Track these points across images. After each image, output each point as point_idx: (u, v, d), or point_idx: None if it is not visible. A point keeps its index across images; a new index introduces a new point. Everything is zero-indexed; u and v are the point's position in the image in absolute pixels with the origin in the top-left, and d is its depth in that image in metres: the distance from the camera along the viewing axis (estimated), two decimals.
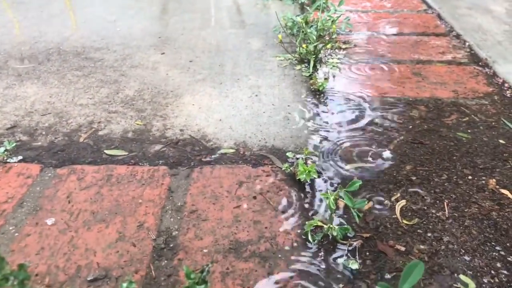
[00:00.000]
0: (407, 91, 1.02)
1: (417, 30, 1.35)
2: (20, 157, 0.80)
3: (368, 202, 0.67)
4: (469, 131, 0.89)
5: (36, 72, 1.10)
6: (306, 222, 0.64)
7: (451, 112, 0.95)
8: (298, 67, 1.13)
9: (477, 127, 0.90)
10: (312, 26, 1.20)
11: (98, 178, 0.76)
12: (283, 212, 0.68)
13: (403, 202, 0.71)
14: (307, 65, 1.13)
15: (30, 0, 1.58)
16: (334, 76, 1.08)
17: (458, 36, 1.30)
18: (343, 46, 1.24)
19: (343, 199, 0.59)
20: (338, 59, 1.17)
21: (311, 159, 0.78)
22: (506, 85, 1.05)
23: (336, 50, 1.21)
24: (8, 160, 0.79)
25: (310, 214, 0.68)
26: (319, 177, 0.75)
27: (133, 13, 1.48)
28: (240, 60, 1.16)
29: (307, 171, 0.70)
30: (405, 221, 0.67)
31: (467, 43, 1.26)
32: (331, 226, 0.62)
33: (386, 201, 0.71)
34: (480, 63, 1.15)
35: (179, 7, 1.53)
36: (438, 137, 0.87)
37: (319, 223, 0.63)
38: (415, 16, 1.45)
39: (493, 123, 0.91)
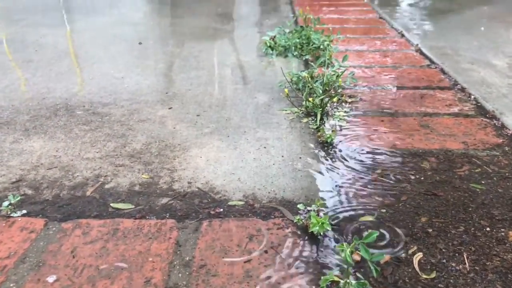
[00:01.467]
0: (416, 143, 1.01)
1: (422, 84, 1.36)
2: (24, 211, 0.78)
3: (385, 255, 0.64)
4: (482, 182, 0.87)
5: (43, 127, 1.10)
6: (322, 277, 0.61)
7: (462, 163, 0.94)
8: (305, 120, 1.13)
9: (491, 178, 0.88)
10: (317, 81, 1.21)
11: (104, 232, 0.73)
12: (297, 267, 0.66)
13: (420, 255, 0.68)
14: (313, 118, 1.13)
15: (39, 59, 1.61)
16: (341, 129, 1.08)
17: (463, 90, 1.31)
18: (349, 100, 1.24)
19: (359, 251, 0.57)
20: (345, 112, 1.17)
21: (323, 210, 0.76)
22: None
23: (343, 104, 1.22)
24: (11, 215, 0.77)
25: (324, 268, 0.65)
26: (332, 229, 0.72)
27: (140, 71, 1.51)
28: (247, 114, 1.17)
29: (320, 223, 0.68)
30: (424, 275, 0.64)
31: (472, 96, 1.26)
32: (347, 281, 0.59)
33: (403, 254, 0.68)
34: (487, 115, 1.15)
35: (186, 64, 1.56)
36: (451, 188, 0.85)
37: (335, 278, 0.60)
38: (419, 71, 1.47)
39: (507, 174, 0.89)
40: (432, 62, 1.56)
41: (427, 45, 1.72)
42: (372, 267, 0.56)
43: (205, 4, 2.64)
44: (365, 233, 0.60)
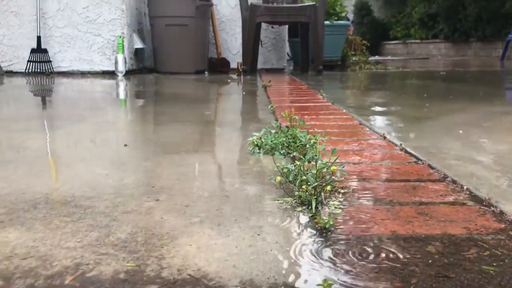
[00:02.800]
0: (417, 229, 0.97)
1: (412, 177, 1.35)
2: None
3: None
4: (494, 264, 0.82)
5: (20, 219, 1.03)
6: None
7: (469, 247, 0.89)
8: (299, 208, 1.09)
9: (502, 260, 0.83)
10: (308, 173, 1.19)
11: None
12: None
13: None
14: (308, 207, 1.09)
15: (20, 159, 1.57)
16: (337, 217, 1.03)
17: (454, 182, 1.30)
18: (342, 191, 1.21)
19: None
20: (339, 201, 1.14)
21: None
22: None
23: (336, 194, 1.19)
24: None
25: None
26: None
27: (126, 168, 1.47)
28: (238, 204, 1.12)
29: None
30: None
31: (465, 187, 1.25)
32: None
33: None
34: (484, 203, 1.13)
35: (172, 161, 1.54)
36: (462, 270, 0.79)
37: None
38: (407, 167, 1.47)
39: None
40: (418, 159, 1.57)
41: (411, 146, 1.74)
42: None
43: (189, 114, 2.69)
44: None
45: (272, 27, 6.34)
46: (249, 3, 5.42)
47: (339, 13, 6.69)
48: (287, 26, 6.45)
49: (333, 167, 1.13)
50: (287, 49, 6.92)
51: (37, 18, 5.38)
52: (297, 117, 1.74)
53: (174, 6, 5.49)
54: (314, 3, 5.55)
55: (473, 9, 11.13)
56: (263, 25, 6.03)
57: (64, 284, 0.75)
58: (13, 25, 5.53)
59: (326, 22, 5.92)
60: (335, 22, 6.45)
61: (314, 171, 1.18)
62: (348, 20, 7.17)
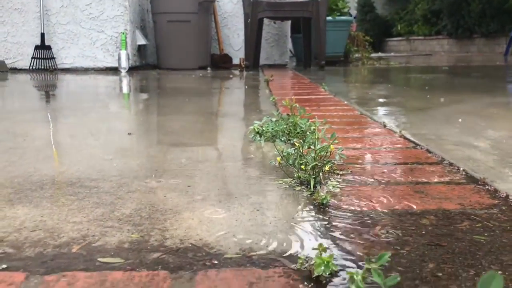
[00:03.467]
0: (412, 205, 1.00)
1: (410, 160, 1.38)
2: (3, 266, 0.72)
3: (398, 277, 0.59)
4: (485, 234, 0.85)
5: (28, 197, 1.06)
6: None
7: (462, 220, 0.92)
8: (298, 188, 1.12)
9: (493, 231, 0.86)
10: (307, 156, 1.22)
11: (91, 283, 0.67)
12: None
13: None
14: (307, 186, 1.12)
15: (27, 146, 1.61)
16: (335, 195, 1.06)
17: (451, 164, 1.33)
18: (340, 173, 1.24)
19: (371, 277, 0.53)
20: (337, 182, 1.16)
21: (327, 253, 0.72)
22: (511, 197, 1.04)
23: (334, 175, 1.21)
24: None
25: None
26: (337, 273, 0.68)
27: (130, 154, 1.51)
28: (239, 184, 1.15)
29: (325, 262, 0.64)
30: None
31: (461, 169, 1.28)
32: None
33: None
34: (479, 183, 1.15)
35: (176, 149, 1.57)
36: (455, 239, 0.82)
37: None
38: (405, 151, 1.50)
39: (509, 227, 0.87)
40: (416, 144, 1.59)
41: (410, 133, 1.77)
42: None
43: (191, 105, 2.73)
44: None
45: (275, 23, 6.36)
46: None
47: (341, 9, 6.70)
48: (289, 21, 6.48)
49: (331, 147, 1.16)
50: (290, 45, 6.94)
51: (40, 15, 5.42)
52: (297, 105, 1.77)
53: (176, 2, 5.52)
54: None
55: (476, 5, 11.11)
56: (266, 20, 6.05)
57: (71, 252, 0.78)
58: (17, 22, 5.57)
59: (328, 18, 5.95)
60: (337, 17, 6.47)
61: (313, 155, 1.21)
62: (351, 15, 7.18)
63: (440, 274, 0.70)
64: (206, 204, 1.01)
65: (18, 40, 5.59)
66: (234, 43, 6.34)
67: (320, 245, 0.70)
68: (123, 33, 5.44)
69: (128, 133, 1.83)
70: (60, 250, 0.79)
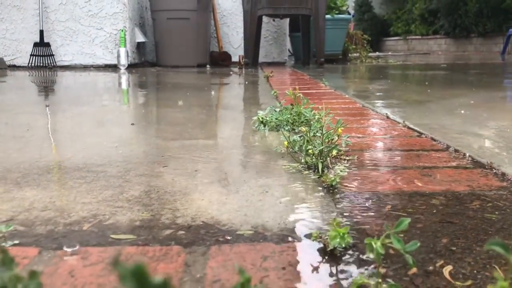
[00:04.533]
0: (421, 187, 1.00)
1: (415, 148, 1.38)
2: (16, 241, 0.72)
3: (418, 243, 0.59)
4: (496, 213, 0.85)
5: (36, 181, 1.06)
6: (351, 280, 0.56)
7: (472, 200, 0.92)
8: (306, 172, 1.11)
9: (504, 210, 0.86)
10: (313, 142, 1.22)
11: (105, 257, 0.67)
12: (319, 279, 0.60)
13: (449, 267, 0.63)
14: (314, 170, 1.12)
15: (31, 135, 1.60)
16: (343, 177, 1.06)
17: (456, 151, 1.33)
18: (347, 158, 1.24)
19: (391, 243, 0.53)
20: (345, 166, 1.16)
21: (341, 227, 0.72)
22: None
23: (341, 161, 1.21)
24: (1, 244, 0.71)
25: (349, 278, 0.59)
26: (352, 247, 0.68)
27: (135, 142, 1.50)
28: (246, 169, 1.15)
29: (341, 234, 0.63)
30: (458, 283, 0.59)
31: (467, 154, 1.28)
32: (379, 281, 0.54)
33: (430, 267, 0.63)
34: (486, 167, 1.16)
35: (180, 136, 1.56)
36: (466, 217, 0.82)
37: (365, 280, 0.55)
38: (410, 139, 1.50)
39: None
40: (421, 133, 1.59)
41: (413, 123, 1.77)
42: (407, 257, 0.51)
43: (193, 99, 2.72)
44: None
45: (274, 20, 6.36)
46: None
47: (340, 7, 6.71)
48: (288, 19, 6.48)
49: (339, 130, 1.16)
50: (288, 43, 6.95)
51: (39, 12, 5.41)
52: (301, 95, 1.77)
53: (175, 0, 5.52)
54: None
55: (473, 5, 11.14)
56: (265, 18, 6.05)
57: (82, 229, 0.78)
58: (15, 20, 5.56)
59: (327, 16, 5.95)
60: (336, 15, 6.48)
61: (319, 141, 1.21)
62: (349, 14, 7.19)
63: (454, 248, 0.70)
64: (215, 187, 1.01)
65: (17, 37, 5.58)
66: (233, 40, 6.34)
67: (334, 219, 0.70)
68: (122, 31, 5.43)
69: (132, 123, 1.82)
70: (71, 228, 0.78)
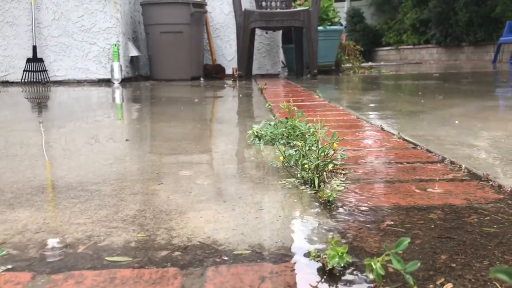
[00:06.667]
0: (418, 201, 1.00)
1: (411, 160, 1.38)
2: (9, 266, 0.71)
3: (418, 263, 0.59)
4: (494, 226, 0.84)
5: (29, 201, 1.05)
6: None
7: (469, 214, 0.91)
8: (302, 187, 1.11)
9: (502, 223, 0.86)
10: (309, 156, 1.21)
11: (100, 281, 0.66)
12: None
13: (450, 285, 0.62)
14: (311, 185, 1.11)
15: (24, 153, 1.59)
16: (340, 192, 1.06)
17: (452, 163, 1.33)
18: (343, 172, 1.24)
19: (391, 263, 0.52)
20: (341, 181, 1.16)
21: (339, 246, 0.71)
22: None
23: (337, 175, 1.21)
24: None
25: None
26: (351, 265, 0.67)
27: (129, 159, 1.49)
28: (242, 185, 1.14)
29: (339, 254, 0.63)
30: None
31: (463, 166, 1.28)
32: None
33: (431, 286, 0.62)
34: (482, 179, 1.15)
35: (175, 152, 1.55)
36: (464, 232, 0.82)
37: None
38: (405, 151, 1.50)
39: None
40: (416, 145, 1.59)
41: (408, 134, 1.77)
42: (407, 277, 0.51)
43: (187, 113, 2.72)
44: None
45: (266, 33, 6.39)
46: (243, 9, 5.48)
47: (332, 19, 6.75)
48: (281, 31, 6.51)
49: (335, 144, 1.15)
50: (281, 55, 6.97)
51: (32, 28, 5.40)
52: (296, 108, 1.76)
53: (168, 13, 5.53)
54: (307, 7, 5.62)
55: (464, 14, 11.26)
56: (257, 31, 6.08)
57: (77, 252, 0.77)
58: (8, 36, 5.55)
59: (320, 28, 5.99)
60: (328, 27, 6.52)
61: (315, 155, 1.20)
62: (341, 25, 7.23)
63: (454, 265, 0.69)
64: (211, 204, 1.00)
65: (10, 53, 5.56)
66: (227, 53, 6.36)
67: (332, 237, 0.69)
68: (115, 45, 5.44)
69: (126, 140, 1.81)
70: (65, 250, 0.77)
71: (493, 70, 7.13)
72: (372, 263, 0.52)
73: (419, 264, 0.53)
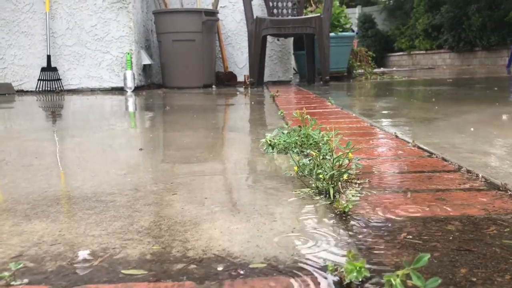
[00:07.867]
0: (436, 212, 0.98)
1: (426, 169, 1.36)
2: (26, 280, 0.71)
3: (439, 280, 0.57)
4: None
5: (45, 212, 1.05)
6: None
7: (488, 225, 0.90)
8: (317, 197, 1.10)
9: None
10: (323, 166, 1.20)
11: None
12: None
13: None
14: (326, 196, 1.10)
15: (39, 163, 1.60)
16: (355, 203, 1.05)
17: (469, 172, 1.31)
18: (358, 182, 1.23)
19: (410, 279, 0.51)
20: (356, 191, 1.15)
21: (357, 260, 0.70)
22: None
23: (352, 185, 1.20)
24: (12, 283, 0.69)
25: None
26: (369, 279, 0.66)
27: (143, 168, 1.50)
28: (256, 195, 1.14)
29: (357, 268, 0.62)
30: None
31: (480, 175, 1.26)
32: None
33: None
34: (500, 189, 1.14)
35: (188, 161, 1.56)
36: (484, 244, 0.80)
37: None
38: (420, 160, 1.48)
39: None
40: (431, 153, 1.58)
41: (423, 142, 1.75)
42: None
43: (200, 122, 2.72)
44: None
45: (278, 40, 6.40)
46: (254, 17, 5.50)
47: (343, 25, 6.75)
48: (292, 38, 6.52)
49: (350, 154, 1.14)
50: (293, 62, 6.98)
51: (47, 38, 5.47)
52: (309, 116, 1.76)
53: (180, 22, 5.57)
54: (319, 14, 5.62)
55: (477, 19, 11.18)
56: (269, 38, 6.09)
57: (93, 265, 0.77)
58: (23, 45, 5.63)
59: (331, 34, 5.98)
60: (340, 33, 6.51)
61: (329, 165, 1.19)
62: (353, 31, 7.22)
63: (475, 279, 0.68)
64: (225, 215, 0.99)
65: (25, 62, 5.64)
66: (239, 60, 6.38)
67: (350, 251, 0.68)
68: (128, 54, 5.48)
69: (140, 149, 1.82)
70: (82, 263, 0.77)
71: (507, 75, 7.06)
72: (392, 279, 0.51)
73: (440, 281, 0.52)
